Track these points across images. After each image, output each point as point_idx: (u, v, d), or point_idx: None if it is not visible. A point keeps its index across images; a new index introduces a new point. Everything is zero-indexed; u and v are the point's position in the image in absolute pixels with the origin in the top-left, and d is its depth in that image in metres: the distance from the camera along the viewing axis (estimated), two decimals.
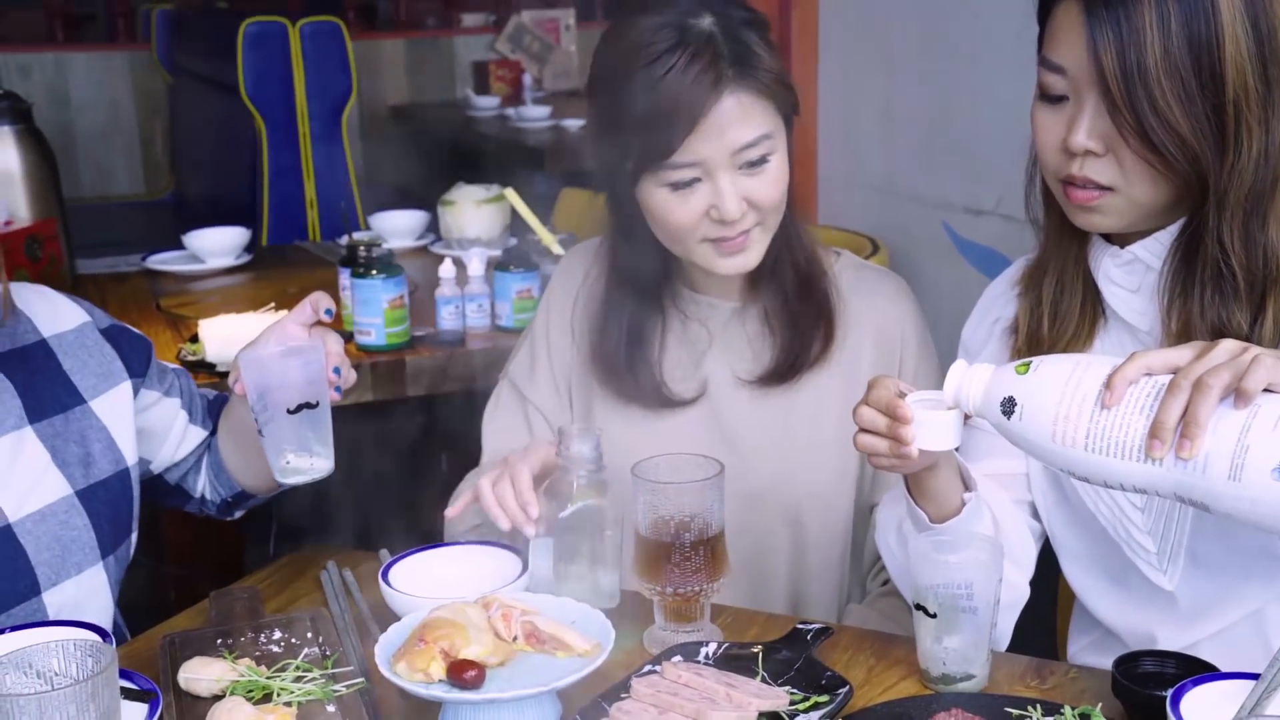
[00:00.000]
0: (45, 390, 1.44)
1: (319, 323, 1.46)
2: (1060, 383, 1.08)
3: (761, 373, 1.56)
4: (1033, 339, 1.37)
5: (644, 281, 1.58)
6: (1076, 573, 1.43)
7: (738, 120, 1.43)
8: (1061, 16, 1.23)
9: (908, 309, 1.62)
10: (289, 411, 1.37)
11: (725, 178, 1.44)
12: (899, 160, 2.79)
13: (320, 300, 1.44)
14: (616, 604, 1.38)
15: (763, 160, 1.45)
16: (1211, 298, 1.25)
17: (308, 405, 1.37)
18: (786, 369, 1.53)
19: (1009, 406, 1.10)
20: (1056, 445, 1.08)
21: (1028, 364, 1.11)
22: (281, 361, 1.38)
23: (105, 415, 1.48)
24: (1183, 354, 1.06)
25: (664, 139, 1.42)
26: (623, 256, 1.58)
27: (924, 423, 1.17)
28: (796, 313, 1.56)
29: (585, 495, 1.35)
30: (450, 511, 1.45)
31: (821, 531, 1.58)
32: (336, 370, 1.42)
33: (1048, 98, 1.27)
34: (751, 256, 1.50)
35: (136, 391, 1.53)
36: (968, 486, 1.31)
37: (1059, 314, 1.36)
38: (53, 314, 1.49)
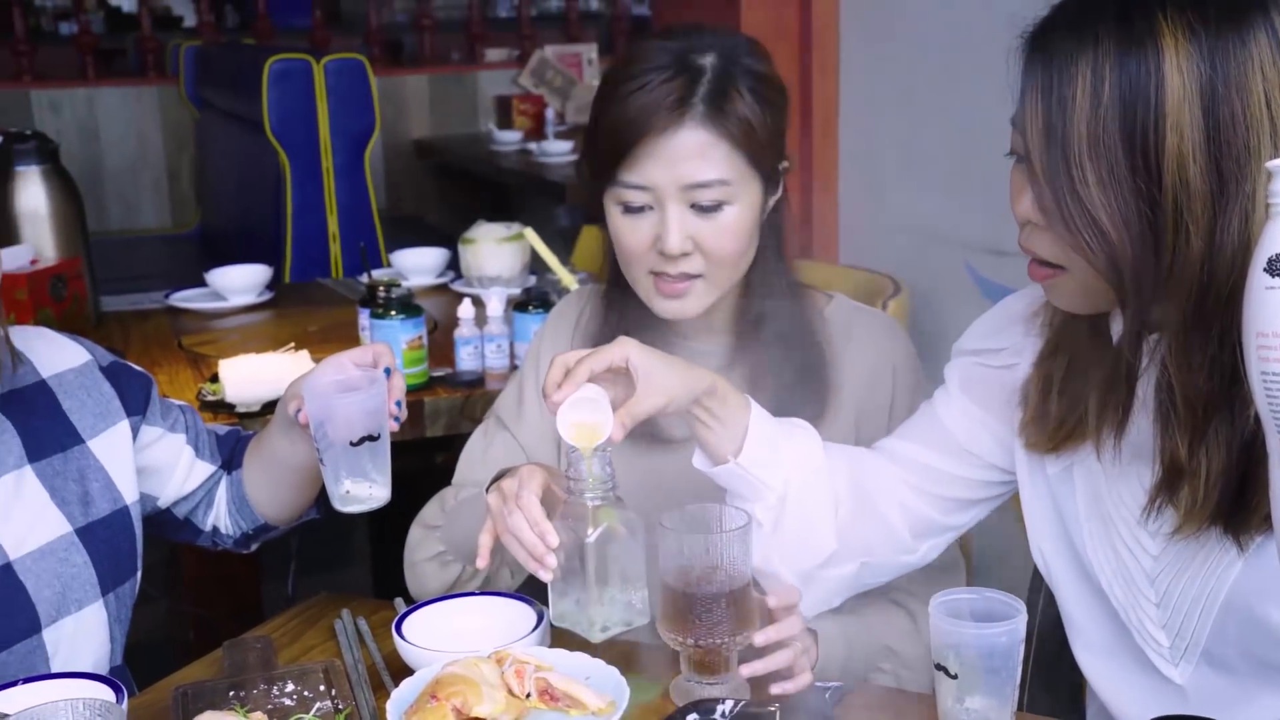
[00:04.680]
0: (44, 430, 1.46)
1: None
2: None
3: None
4: (1039, 414, 1.27)
5: (633, 317, 1.56)
6: (1081, 649, 1.36)
7: (694, 155, 1.42)
8: None
9: (898, 345, 1.60)
10: (352, 444, 1.39)
11: (674, 210, 1.44)
12: (921, 200, 2.77)
13: (383, 355, 1.46)
14: (649, 619, 1.35)
15: (717, 206, 1.44)
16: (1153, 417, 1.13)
17: (370, 437, 1.40)
18: None
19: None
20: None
21: None
22: (346, 394, 1.41)
23: (103, 454, 1.49)
24: None
25: (615, 150, 1.43)
26: (614, 290, 1.58)
27: (564, 420, 1.28)
28: (783, 384, 1.54)
29: (606, 516, 1.31)
30: (481, 562, 1.41)
31: None
32: (398, 403, 1.44)
33: (1013, 154, 1.14)
34: (689, 305, 1.49)
35: (136, 429, 1.54)
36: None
37: (1069, 393, 1.23)
38: (53, 355, 1.51)
